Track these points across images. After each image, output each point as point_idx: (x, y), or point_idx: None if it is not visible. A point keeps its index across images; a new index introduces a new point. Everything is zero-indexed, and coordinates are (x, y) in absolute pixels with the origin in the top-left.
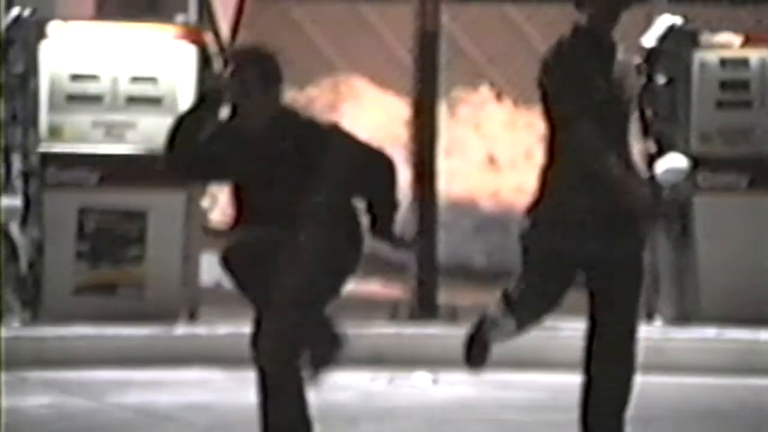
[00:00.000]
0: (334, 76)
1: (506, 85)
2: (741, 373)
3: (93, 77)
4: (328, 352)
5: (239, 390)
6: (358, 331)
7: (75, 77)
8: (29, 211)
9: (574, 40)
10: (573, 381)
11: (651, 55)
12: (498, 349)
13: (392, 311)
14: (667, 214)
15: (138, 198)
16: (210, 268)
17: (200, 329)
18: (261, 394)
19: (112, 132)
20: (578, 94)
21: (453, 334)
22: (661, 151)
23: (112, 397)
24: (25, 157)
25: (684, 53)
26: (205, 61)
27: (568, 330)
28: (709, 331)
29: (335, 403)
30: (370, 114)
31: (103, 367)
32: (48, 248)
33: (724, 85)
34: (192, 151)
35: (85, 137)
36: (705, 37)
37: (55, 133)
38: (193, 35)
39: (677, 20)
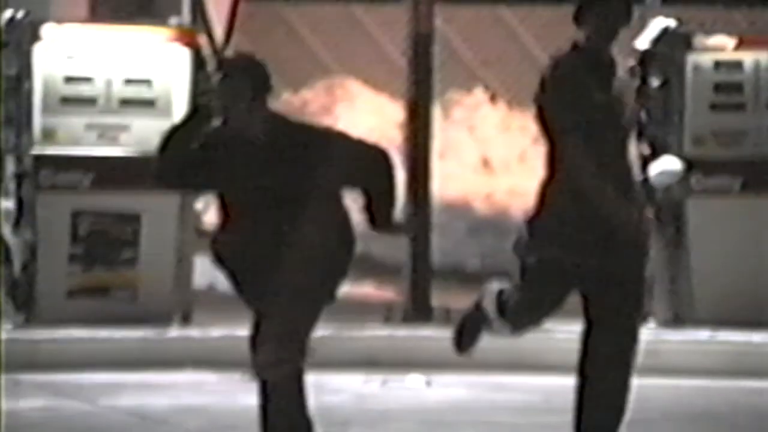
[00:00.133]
0: (328, 78)
1: (500, 87)
2: (735, 375)
3: (87, 79)
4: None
5: (233, 393)
6: (351, 333)
7: (69, 79)
8: (22, 213)
9: (573, 57)
10: (567, 383)
11: (645, 58)
12: (492, 351)
13: (386, 313)
14: (661, 216)
15: (131, 200)
16: (203, 271)
17: (194, 332)
18: (262, 397)
19: (106, 134)
20: (576, 112)
21: (447, 337)
22: (654, 154)
23: (106, 399)
24: (19, 159)
25: (678, 56)
26: (198, 63)
27: (563, 332)
28: (703, 334)
29: (329, 406)
30: (365, 116)
31: (97, 370)
32: (41, 251)
33: (717, 87)
34: (182, 160)
35: (79, 140)
36: (699, 40)
37: (48, 135)
38: (187, 38)
39: (671, 23)
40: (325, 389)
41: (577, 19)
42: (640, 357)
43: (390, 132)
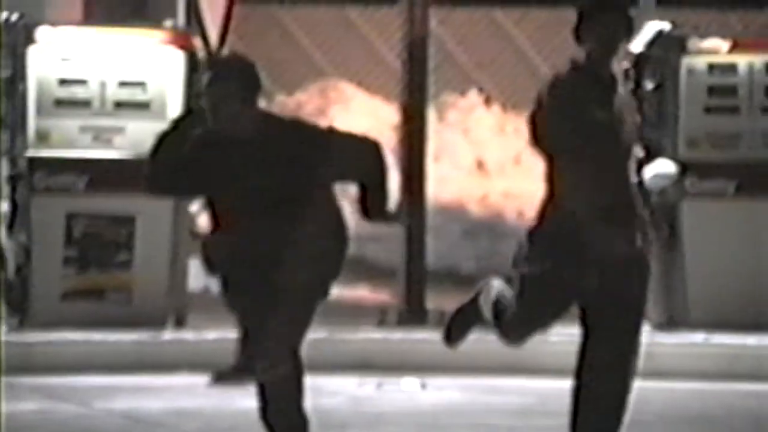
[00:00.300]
0: (322, 80)
1: (495, 90)
2: (730, 378)
3: (81, 82)
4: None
5: (228, 395)
6: (346, 336)
7: (63, 82)
8: (17, 216)
9: (572, 75)
10: (563, 386)
11: (639, 61)
12: (487, 354)
13: (380, 316)
14: (655, 219)
15: (126, 203)
16: (198, 273)
17: (188, 334)
18: (261, 399)
19: (100, 137)
20: (572, 133)
21: (441, 339)
22: (649, 157)
23: (101, 402)
24: (13, 162)
25: (672, 59)
26: (193, 66)
27: (558, 335)
28: (698, 336)
29: (324, 409)
30: (359, 119)
31: (91, 373)
32: (35, 253)
33: (712, 90)
34: (173, 169)
35: (73, 142)
36: (693, 43)
37: (43, 137)
38: (182, 40)
39: (665, 26)
40: (320, 392)
41: (577, 35)
42: None
43: (384, 134)
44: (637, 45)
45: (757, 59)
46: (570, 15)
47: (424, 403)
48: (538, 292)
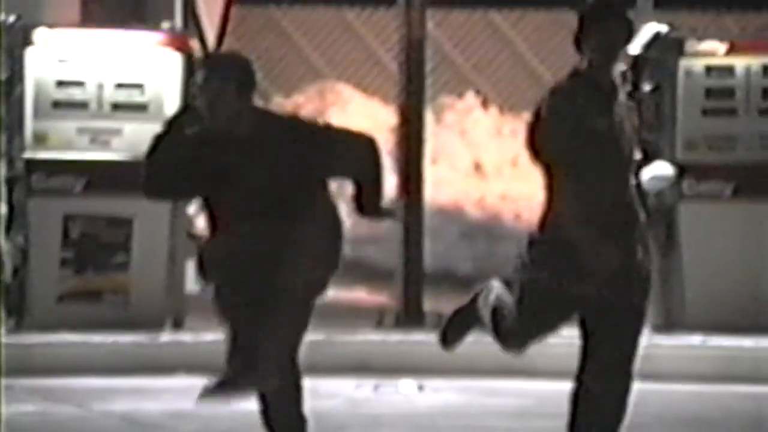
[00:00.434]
0: (320, 82)
1: (492, 91)
2: (727, 380)
3: (78, 84)
4: (244, 375)
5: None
6: (343, 338)
7: (60, 83)
8: (14, 217)
9: (572, 84)
10: (560, 388)
11: (636, 63)
12: (484, 356)
13: (378, 318)
14: (653, 221)
15: (123, 205)
16: (196, 276)
17: (186, 336)
18: (262, 402)
19: (98, 138)
20: (570, 147)
21: (438, 341)
22: (646, 159)
23: (98, 404)
24: (10, 163)
25: (669, 61)
26: (190, 68)
27: (555, 338)
28: (695, 338)
29: (321, 411)
30: (356, 120)
31: (89, 375)
32: (33, 255)
33: (709, 92)
34: (170, 173)
35: (71, 144)
36: (690, 45)
37: (40, 139)
38: (179, 42)
39: (663, 28)
40: (317, 394)
41: (578, 43)
42: None
43: (382, 136)
44: (635, 47)
45: (755, 61)
46: (567, 17)
47: (421, 405)
48: (539, 301)
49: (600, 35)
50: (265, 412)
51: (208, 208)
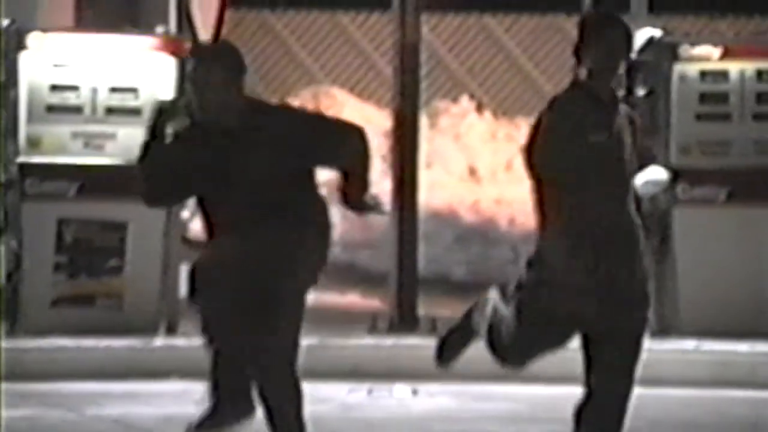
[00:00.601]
0: (314, 86)
1: (486, 96)
2: (721, 385)
3: (72, 88)
4: (235, 415)
5: None
6: (337, 343)
7: (54, 88)
8: (8, 222)
9: (572, 96)
10: (553, 393)
11: (631, 68)
12: (478, 360)
13: (372, 323)
14: (647, 226)
15: (117, 209)
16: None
17: (180, 341)
18: (265, 406)
19: (92, 143)
20: (572, 162)
21: (433, 346)
22: (640, 164)
23: (91, 409)
24: (4, 167)
25: (664, 65)
26: (184, 72)
27: None
28: (689, 343)
29: (314, 415)
30: None
31: (82, 379)
32: (26, 259)
33: (703, 97)
34: (170, 179)
35: (65, 148)
36: (684, 50)
37: (34, 143)
38: (173, 46)
39: (657, 32)
40: (311, 399)
41: (577, 53)
42: None
43: (376, 140)
44: None
45: (749, 66)
46: (561, 22)
47: (415, 409)
48: (538, 320)
49: (600, 45)
50: (270, 416)
51: (204, 212)
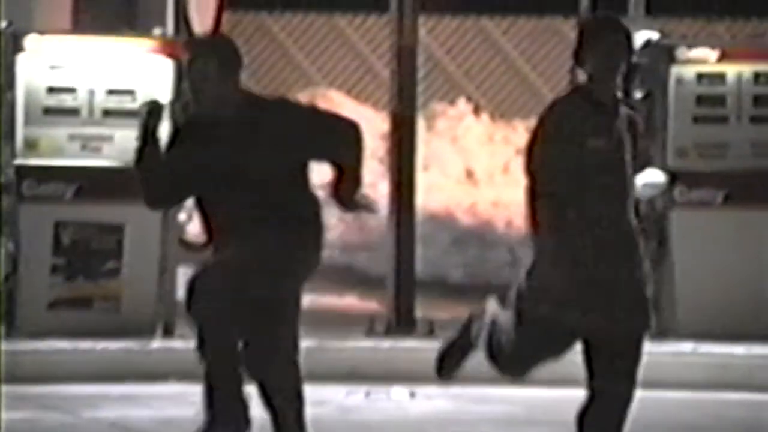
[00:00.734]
0: (311, 89)
1: (483, 98)
2: (718, 388)
3: (69, 90)
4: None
5: None
6: (334, 345)
7: (51, 90)
8: (4, 224)
9: (572, 101)
10: (550, 395)
11: (628, 70)
12: (475, 363)
13: (369, 325)
14: (644, 229)
15: (114, 211)
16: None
17: (177, 343)
18: (267, 408)
19: (89, 145)
20: (570, 171)
21: (430, 348)
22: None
23: (88, 411)
24: (1, 170)
25: (661, 68)
26: (182, 74)
27: None
28: (686, 346)
29: (312, 418)
30: None
31: (79, 382)
32: (23, 262)
33: (700, 99)
34: (169, 180)
35: (62, 150)
36: (681, 52)
37: (31, 146)
38: (170, 48)
39: (654, 35)
40: (308, 401)
41: (577, 58)
42: None
43: (373, 143)
44: None
45: (746, 69)
46: (558, 24)
47: (413, 412)
48: (539, 330)
49: (600, 49)
50: (275, 420)
51: (203, 214)
